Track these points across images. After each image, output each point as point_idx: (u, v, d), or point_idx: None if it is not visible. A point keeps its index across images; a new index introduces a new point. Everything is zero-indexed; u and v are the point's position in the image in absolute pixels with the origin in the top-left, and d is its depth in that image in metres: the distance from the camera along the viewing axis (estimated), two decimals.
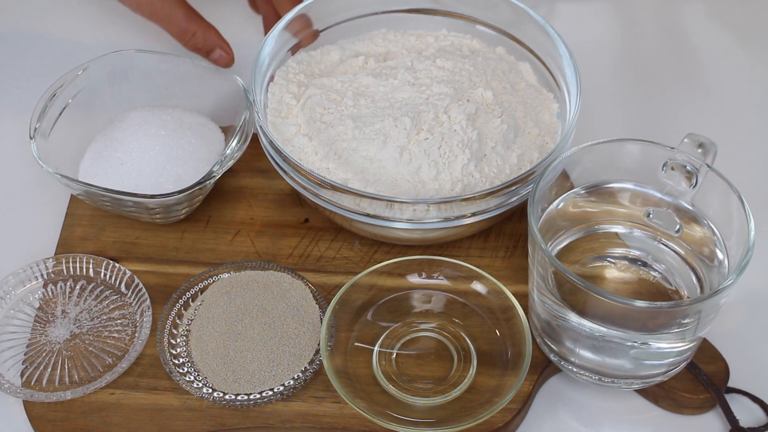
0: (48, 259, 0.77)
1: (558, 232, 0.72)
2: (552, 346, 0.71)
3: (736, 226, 0.66)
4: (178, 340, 0.73)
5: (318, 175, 0.73)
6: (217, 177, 0.76)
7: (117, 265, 0.76)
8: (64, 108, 0.80)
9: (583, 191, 0.72)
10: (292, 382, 0.70)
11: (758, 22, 1.01)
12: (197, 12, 0.88)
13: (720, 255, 0.68)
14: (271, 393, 0.70)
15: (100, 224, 0.80)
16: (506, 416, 0.69)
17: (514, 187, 0.73)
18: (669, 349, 0.67)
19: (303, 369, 0.71)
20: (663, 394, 0.72)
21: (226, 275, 0.76)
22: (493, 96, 0.78)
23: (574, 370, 0.70)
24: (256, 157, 0.81)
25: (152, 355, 0.72)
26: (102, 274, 0.77)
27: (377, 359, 0.72)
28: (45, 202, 0.83)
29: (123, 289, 0.76)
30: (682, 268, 0.71)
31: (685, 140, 0.69)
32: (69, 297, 0.76)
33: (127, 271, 0.76)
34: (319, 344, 0.71)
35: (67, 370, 0.72)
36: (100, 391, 0.71)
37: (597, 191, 0.73)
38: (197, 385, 0.70)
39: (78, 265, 0.77)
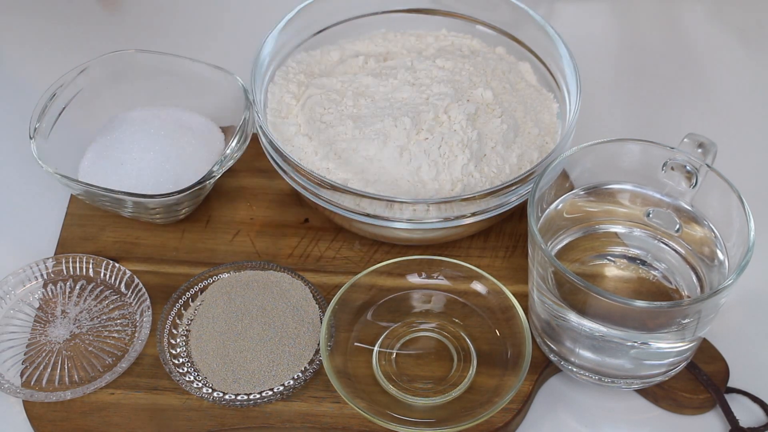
0: (48, 259, 0.77)
1: (558, 232, 0.72)
2: (552, 346, 0.71)
3: (736, 226, 0.66)
4: (178, 340, 0.73)
5: (318, 175, 0.73)
6: (217, 177, 0.76)
7: (117, 265, 0.76)
8: (64, 108, 0.80)
9: (582, 191, 0.72)
10: (292, 382, 0.70)
11: (758, 22, 1.01)
12: None
13: (720, 255, 0.68)
14: (271, 393, 0.70)
15: (100, 224, 0.80)
16: (506, 416, 0.69)
17: (514, 187, 0.73)
18: (669, 349, 0.67)
19: (303, 369, 0.71)
20: (663, 394, 0.71)
21: (226, 275, 0.76)
22: (493, 96, 0.78)
23: (574, 370, 0.70)
24: (256, 157, 0.81)
25: (152, 355, 0.72)
26: (102, 274, 0.77)
27: (377, 359, 0.72)
28: (45, 202, 0.83)
29: (123, 289, 0.76)
30: (682, 268, 0.71)
31: (685, 140, 0.69)
32: (69, 297, 0.76)
33: (127, 271, 0.76)
34: (319, 344, 0.71)
35: (66, 370, 0.72)
36: (100, 391, 0.71)
37: (597, 191, 0.73)
38: (197, 385, 0.70)
39: (78, 265, 0.77)
